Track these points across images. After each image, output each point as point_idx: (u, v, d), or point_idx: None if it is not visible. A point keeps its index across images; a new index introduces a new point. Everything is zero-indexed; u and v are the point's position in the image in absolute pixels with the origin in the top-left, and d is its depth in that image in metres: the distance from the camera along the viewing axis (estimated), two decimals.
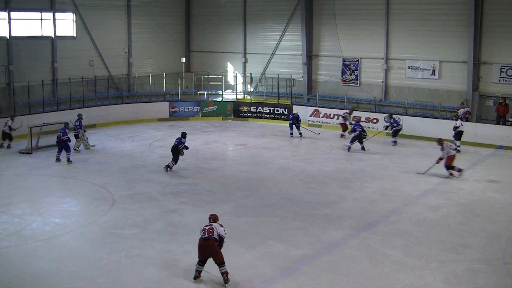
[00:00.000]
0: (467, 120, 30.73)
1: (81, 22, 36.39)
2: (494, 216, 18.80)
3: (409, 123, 31.89)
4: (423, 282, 13.75)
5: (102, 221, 17.74)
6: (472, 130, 30.13)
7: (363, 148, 28.18)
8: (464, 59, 32.29)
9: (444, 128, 29.63)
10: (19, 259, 14.81)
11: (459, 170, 23.72)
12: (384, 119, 32.17)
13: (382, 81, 35.74)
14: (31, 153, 26.66)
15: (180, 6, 43.79)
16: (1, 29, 32.40)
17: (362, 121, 31.94)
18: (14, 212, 18.54)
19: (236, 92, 40.70)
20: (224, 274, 13.23)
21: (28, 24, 34.01)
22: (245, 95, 40.87)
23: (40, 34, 34.44)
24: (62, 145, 25.38)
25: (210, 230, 13.27)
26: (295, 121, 31.36)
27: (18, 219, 17.84)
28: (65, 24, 35.84)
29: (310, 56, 38.54)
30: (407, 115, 33.00)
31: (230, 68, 42.66)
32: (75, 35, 36.38)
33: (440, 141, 23.87)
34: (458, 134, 28.16)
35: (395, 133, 30.30)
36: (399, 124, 30.50)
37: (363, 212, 19.08)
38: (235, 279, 13.55)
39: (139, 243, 15.95)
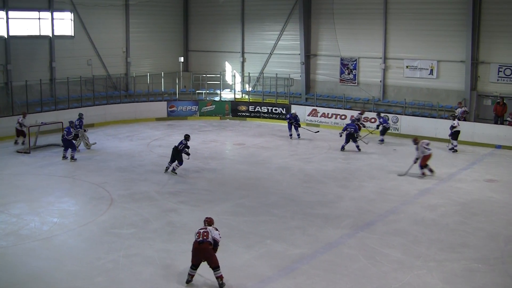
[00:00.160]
0: (464, 120, 30.78)
1: (79, 22, 36.37)
2: (492, 216, 18.82)
3: (407, 123, 31.91)
4: (421, 282, 13.76)
5: (100, 221, 17.73)
6: (470, 129, 30.14)
7: (358, 147, 28.10)
8: (462, 58, 32.33)
9: (442, 127, 29.65)
10: (17, 259, 14.80)
11: (431, 171, 23.79)
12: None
13: (380, 81, 35.76)
14: (29, 153, 26.63)
15: (178, 6, 43.78)
16: None
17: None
18: (12, 211, 18.52)
19: (234, 92, 40.69)
20: (219, 278, 13.06)
21: (26, 24, 33.97)
22: (243, 95, 40.89)
23: (38, 34, 34.43)
24: (67, 143, 25.55)
25: (205, 234, 13.12)
26: (294, 121, 31.05)
27: (16, 219, 17.82)
28: (63, 23, 35.83)
29: (308, 56, 38.55)
30: (405, 115, 33.00)
31: (228, 67, 42.66)
32: (73, 35, 36.36)
33: (415, 141, 24.03)
34: (455, 134, 28.16)
35: (384, 132, 30.43)
36: (388, 123, 30.69)
37: (361, 211, 19.09)
38: (233, 279, 13.55)
39: (137, 242, 15.95)
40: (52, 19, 34.79)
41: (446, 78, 33.38)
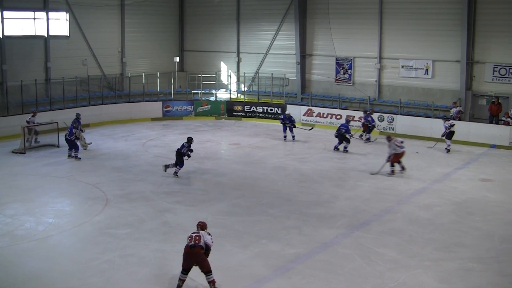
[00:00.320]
0: (459, 119, 30.84)
1: (74, 22, 36.34)
2: (487, 215, 18.85)
3: (402, 122, 31.95)
4: (417, 281, 13.78)
5: (95, 221, 17.71)
6: (465, 129, 30.20)
7: (345, 149, 27.88)
8: (457, 58, 32.38)
9: (437, 127, 29.60)
10: (13, 259, 14.79)
11: (402, 168, 23.94)
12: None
13: (376, 80, 35.80)
14: (24, 153, 26.58)
15: (174, 5, 43.76)
16: None
17: (355, 121, 32.00)
18: (7, 212, 18.49)
19: (230, 92, 40.70)
20: (211, 283, 12.87)
21: (21, 24, 33.92)
22: (239, 95, 40.86)
23: (33, 34, 34.38)
24: (69, 143, 25.69)
25: (197, 238, 12.89)
26: (288, 122, 30.64)
27: (11, 219, 17.78)
28: (59, 23, 35.78)
29: (304, 56, 38.57)
30: (400, 114, 33.05)
31: (223, 67, 42.65)
32: (68, 35, 36.33)
33: (388, 138, 24.23)
34: (450, 134, 28.14)
35: (369, 130, 30.54)
36: (373, 122, 30.79)
37: (356, 211, 19.11)
38: (228, 279, 13.56)
39: (133, 242, 15.94)
40: (47, 19, 34.76)
41: (442, 77, 33.43)
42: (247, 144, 29.56)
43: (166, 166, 23.29)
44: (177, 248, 15.21)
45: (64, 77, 34.16)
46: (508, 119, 29.64)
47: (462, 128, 29.83)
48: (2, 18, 32.41)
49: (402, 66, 34.65)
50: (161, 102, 37.28)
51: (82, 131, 27.52)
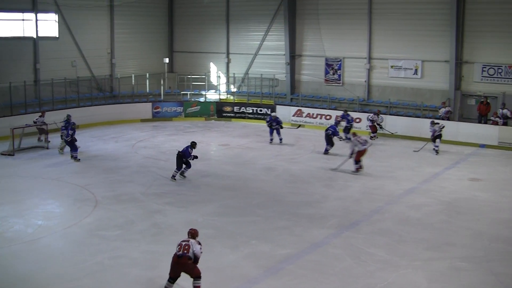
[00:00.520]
0: (448, 119, 30.99)
1: (63, 23, 36.23)
2: (476, 214, 18.93)
3: (391, 122, 31.99)
4: (407, 281, 13.82)
5: (85, 223, 17.65)
6: (454, 129, 30.34)
7: (326, 150, 27.75)
8: (446, 58, 32.49)
9: (427, 127, 29.59)
10: (2, 262, 14.72)
11: (360, 167, 24.21)
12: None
13: (365, 81, 35.88)
14: (13, 155, 26.46)
15: (163, 6, 43.71)
16: None
17: (353, 122, 32.08)
18: None
19: (219, 92, 40.68)
20: None
21: (10, 25, 33.79)
22: (228, 95, 40.85)
23: (22, 35, 34.23)
24: (69, 144, 25.73)
25: (186, 247, 12.58)
26: (275, 123, 29.94)
27: (0, 221, 17.68)
28: (48, 24, 35.66)
29: (293, 56, 38.59)
30: (390, 115, 33.11)
31: (213, 68, 42.63)
32: (57, 36, 36.22)
33: (353, 135, 24.59)
34: (439, 136, 28.17)
35: (347, 130, 30.54)
36: (352, 121, 30.98)
37: (346, 211, 19.14)
38: (219, 279, 13.56)
39: (123, 244, 15.90)
40: (36, 20, 34.63)
41: (431, 78, 33.54)
42: (236, 145, 29.55)
43: (173, 177, 22.77)
44: (167, 249, 15.18)
45: (54, 78, 34.08)
46: (497, 119, 29.80)
47: (451, 128, 29.98)
48: None
49: (392, 66, 34.75)
50: (150, 103, 37.20)
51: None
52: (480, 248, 15.97)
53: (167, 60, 40.88)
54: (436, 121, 28.49)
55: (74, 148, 25.77)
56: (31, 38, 34.55)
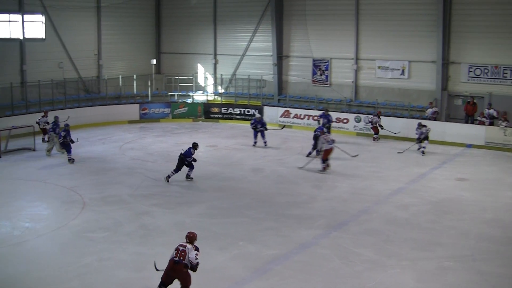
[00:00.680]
0: (435, 120, 31.11)
1: (50, 24, 36.08)
2: (463, 214, 19.03)
3: (379, 123, 32.03)
4: (394, 280, 13.87)
5: (72, 225, 17.59)
6: (441, 129, 30.47)
7: (309, 154, 27.30)
8: (433, 59, 32.62)
9: (414, 127, 29.67)
10: None
11: (327, 166, 24.48)
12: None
13: (352, 81, 35.95)
14: (0, 157, 26.35)
15: (150, 8, 43.64)
16: None
17: (333, 121, 32.09)
18: None
19: (207, 94, 40.65)
20: None
21: None
22: (216, 96, 40.82)
23: (9, 36, 34.05)
24: (64, 146, 25.68)
25: (182, 253, 12.22)
26: (260, 125, 29.43)
27: None
28: (34, 26, 35.48)
29: (281, 57, 38.63)
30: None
31: (200, 69, 42.61)
32: (44, 37, 36.06)
33: (320, 133, 24.95)
34: (426, 137, 28.22)
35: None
36: (331, 121, 30.89)
37: (334, 211, 19.18)
38: (207, 281, 13.53)
39: (110, 246, 15.87)
40: (23, 21, 34.45)
41: (418, 78, 33.66)
42: (224, 146, 29.53)
43: (168, 177, 22.70)
44: (155, 251, 15.23)
45: (40, 80, 33.92)
46: (483, 119, 29.95)
47: (438, 128, 30.12)
48: None
49: (379, 67, 34.84)
50: (138, 105, 37.09)
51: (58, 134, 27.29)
52: (466, 248, 16.07)
53: (154, 61, 40.87)
54: (423, 123, 28.51)
55: (68, 150, 25.64)
56: (17, 39, 34.38)
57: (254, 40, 39.88)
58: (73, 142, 25.87)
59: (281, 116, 35.44)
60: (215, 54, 41.94)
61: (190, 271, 12.24)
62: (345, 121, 33.15)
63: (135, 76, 38.97)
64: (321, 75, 37.20)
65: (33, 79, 34.20)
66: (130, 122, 36.32)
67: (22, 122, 29.65)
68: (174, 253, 12.31)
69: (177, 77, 40.56)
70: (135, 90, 39.02)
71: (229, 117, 37.22)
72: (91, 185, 21.98)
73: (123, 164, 25.60)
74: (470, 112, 31.06)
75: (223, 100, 39.55)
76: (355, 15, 35.20)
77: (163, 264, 12.47)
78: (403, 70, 34.04)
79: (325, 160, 24.34)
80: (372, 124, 31.24)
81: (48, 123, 28.65)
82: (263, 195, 21.04)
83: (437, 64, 32.39)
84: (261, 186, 22.28)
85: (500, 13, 30.77)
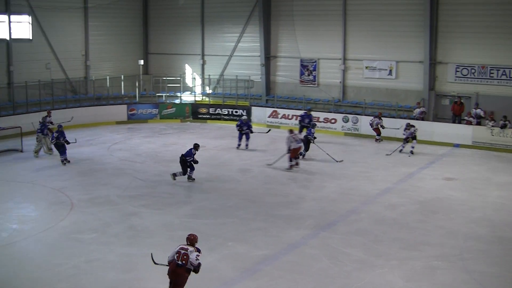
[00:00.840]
0: (423, 120, 31.23)
1: (37, 25, 35.89)
2: (451, 213, 19.12)
3: (367, 123, 32.11)
4: (383, 280, 13.91)
5: (60, 226, 17.53)
6: (429, 129, 30.59)
7: (301, 154, 26.76)
8: (421, 59, 32.73)
9: (401, 127, 29.78)
10: None
11: (296, 164, 24.80)
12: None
13: (340, 82, 36.01)
14: None
15: (138, 8, 43.52)
16: None
17: (320, 121, 32.15)
18: None
19: (195, 94, 40.58)
20: None
21: None
22: (204, 97, 40.78)
23: None
24: (59, 148, 25.43)
25: (185, 257, 12.03)
26: (246, 127, 29.05)
27: None
28: (21, 26, 35.29)
29: (268, 57, 38.64)
30: (365, 115, 33.26)
31: (188, 70, 42.55)
32: (31, 38, 35.87)
33: (290, 132, 25.08)
34: (413, 137, 28.28)
35: (301, 129, 30.71)
36: (311, 122, 30.69)
37: (323, 211, 19.21)
38: (195, 281, 13.46)
39: (99, 247, 15.82)
40: (9, 22, 34.24)
41: (405, 78, 33.76)
42: (212, 147, 29.49)
43: (174, 175, 22.70)
44: (143, 252, 15.17)
45: (27, 81, 33.74)
46: (471, 119, 30.10)
47: (426, 128, 30.24)
48: None
49: (366, 67, 34.92)
50: (125, 105, 37.00)
51: (47, 135, 27.15)
52: (454, 247, 16.14)
53: (142, 62, 40.84)
54: (411, 123, 28.54)
55: (60, 151, 25.46)
56: (4, 40, 34.17)
57: (241, 40, 39.87)
58: (68, 143, 25.63)
59: (269, 117, 35.47)
60: (203, 55, 41.90)
61: (192, 273, 12.13)
62: (333, 121, 33.22)
63: (122, 77, 38.86)
64: (308, 75, 37.24)
65: (20, 80, 34.01)
66: (118, 123, 36.22)
67: (9, 123, 29.52)
68: (176, 257, 12.09)
69: (164, 78, 40.46)
70: (122, 91, 38.92)
71: (217, 117, 37.19)
72: (79, 186, 21.91)
73: (111, 165, 25.52)
74: (458, 112, 31.20)
75: (211, 101, 39.54)
76: (343, 15, 35.27)
77: (153, 266, 12.44)
78: (390, 70, 34.13)
79: (292, 158, 24.62)
80: (372, 126, 31.11)
81: (52, 122, 28.55)
82: (252, 195, 21.05)
83: (424, 64, 32.50)
84: (250, 187, 22.28)
85: (488, 13, 30.94)
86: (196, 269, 12.08)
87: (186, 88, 41.37)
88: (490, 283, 13.98)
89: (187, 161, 22.44)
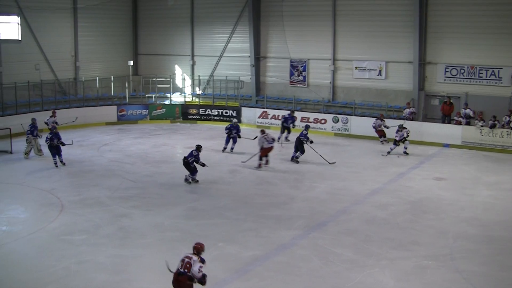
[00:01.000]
0: (412, 120, 31.30)
1: (26, 25, 35.75)
2: (441, 213, 19.18)
3: (357, 123, 32.25)
4: (374, 280, 13.94)
5: (50, 228, 17.46)
6: (419, 129, 30.64)
7: (293, 157, 26.99)
8: (410, 59, 32.82)
9: (392, 128, 29.81)
10: None
11: (267, 162, 25.30)
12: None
13: (330, 82, 36.06)
14: None
15: (127, 9, 43.44)
16: None
17: (310, 122, 32.18)
18: None
19: (185, 95, 40.53)
20: None
21: None
22: (194, 98, 40.73)
23: None
24: (52, 149, 25.19)
25: (187, 265, 11.74)
26: (235, 131, 28.63)
27: None
28: (10, 27, 35.15)
29: (258, 58, 38.66)
30: (355, 115, 33.35)
31: (178, 70, 42.51)
32: (20, 39, 35.73)
33: (261, 132, 25.63)
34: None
35: (289, 131, 31.12)
36: (292, 123, 30.99)
37: (313, 212, 19.22)
38: None
39: (89, 248, 15.76)
40: None
41: (395, 78, 33.86)
42: (202, 147, 29.38)
43: (186, 180, 22.64)
44: (134, 253, 15.16)
45: (17, 82, 33.59)
46: (460, 119, 30.21)
47: (416, 128, 30.26)
48: None
49: (356, 68, 34.98)
50: (115, 106, 36.94)
51: (39, 137, 26.99)
52: (444, 247, 16.19)
53: (131, 62, 40.72)
54: (404, 125, 28.50)
55: (53, 153, 25.22)
56: None
57: (231, 41, 39.86)
58: (63, 144, 25.40)
59: (259, 117, 35.49)
60: (193, 55, 41.88)
61: (199, 285, 11.80)
62: (323, 121, 33.26)
63: (112, 78, 38.77)
64: (298, 76, 37.28)
65: (9, 81, 33.85)
66: (108, 123, 36.15)
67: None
68: (180, 265, 11.84)
69: (154, 79, 40.39)
70: (112, 92, 38.85)
71: (207, 118, 37.18)
72: (69, 188, 21.86)
73: (101, 166, 25.46)
74: (447, 112, 31.31)
75: (201, 102, 39.47)
76: (332, 16, 35.32)
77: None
78: (380, 71, 34.21)
79: (262, 157, 25.04)
80: (376, 129, 31.02)
81: (57, 123, 28.55)
82: (242, 196, 21.04)
83: (413, 64, 32.60)
84: (240, 187, 22.28)
85: (476, 14, 31.04)
86: (202, 281, 11.75)
87: (176, 89, 41.33)
88: (480, 282, 14.03)
89: (190, 163, 22.37)
